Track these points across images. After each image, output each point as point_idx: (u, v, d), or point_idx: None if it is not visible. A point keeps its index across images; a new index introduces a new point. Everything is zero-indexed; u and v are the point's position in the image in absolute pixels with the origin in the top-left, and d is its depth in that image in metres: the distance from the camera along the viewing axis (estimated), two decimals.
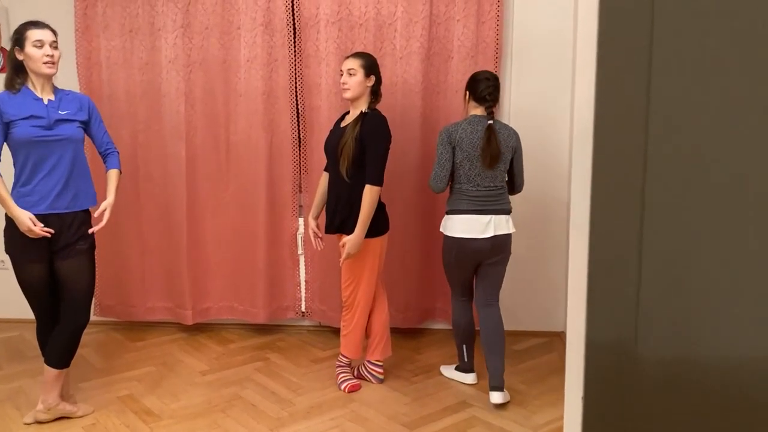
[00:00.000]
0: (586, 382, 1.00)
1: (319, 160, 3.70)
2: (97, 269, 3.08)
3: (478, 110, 3.16)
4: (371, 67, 3.17)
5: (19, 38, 2.78)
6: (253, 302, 4.04)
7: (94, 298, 4.05)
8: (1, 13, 4.03)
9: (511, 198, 3.84)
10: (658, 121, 0.91)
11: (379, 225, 3.18)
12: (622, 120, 0.92)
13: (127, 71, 3.91)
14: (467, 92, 3.21)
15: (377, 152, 3.09)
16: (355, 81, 3.13)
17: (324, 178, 3.39)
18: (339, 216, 3.17)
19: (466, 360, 3.36)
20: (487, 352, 3.17)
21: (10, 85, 2.81)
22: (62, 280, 2.90)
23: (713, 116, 0.91)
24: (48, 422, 2.96)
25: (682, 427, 0.99)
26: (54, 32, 2.85)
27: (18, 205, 2.76)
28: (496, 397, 3.09)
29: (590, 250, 0.94)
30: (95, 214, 2.93)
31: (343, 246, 3.13)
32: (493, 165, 3.08)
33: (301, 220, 3.98)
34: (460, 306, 3.31)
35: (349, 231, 3.12)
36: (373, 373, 3.39)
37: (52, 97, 2.86)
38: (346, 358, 3.38)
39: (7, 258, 2.90)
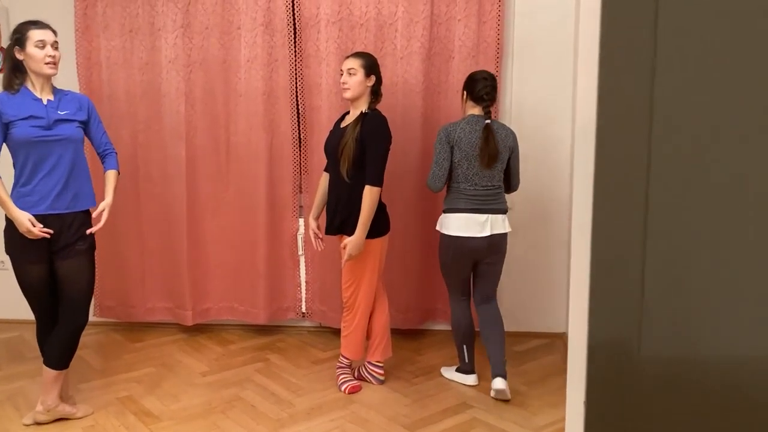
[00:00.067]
0: (588, 383, 1.00)
1: (319, 160, 3.69)
2: (96, 270, 3.07)
3: (475, 110, 3.18)
4: (371, 66, 3.16)
5: (20, 38, 2.77)
6: (253, 303, 4.03)
7: (93, 299, 4.05)
8: (1, 13, 4.03)
9: (513, 199, 3.85)
10: (662, 121, 0.90)
11: (379, 226, 3.17)
12: (624, 119, 0.91)
13: (127, 71, 3.91)
14: (464, 92, 3.23)
15: (377, 153, 3.08)
16: (355, 81, 3.12)
17: (324, 179, 3.38)
18: (339, 217, 3.16)
19: (466, 361, 3.35)
20: (487, 343, 3.21)
21: (8, 85, 2.80)
22: (62, 281, 2.89)
23: (717, 116, 0.90)
24: (47, 423, 2.95)
25: (684, 428, 0.98)
26: (54, 32, 2.84)
27: (18, 206, 2.76)
28: (499, 383, 3.11)
29: (593, 250, 0.93)
30: (93, 215, 2.93)
31: (344, 247, 3.12)
32: (491, 164, 3.10)
33: (301, 221, 3.98)
34: (459, 306, 3.31)
35: (350, 232, 3.10)
36: (374, 374, 3.38)
37: (52, 98, 2.85)
38: (347, 359, 3.37)
39: (6, 258, 2.90)
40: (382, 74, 3.27)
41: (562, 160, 3.86)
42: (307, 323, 4.18)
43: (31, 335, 3.64)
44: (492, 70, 3.64)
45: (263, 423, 2.99)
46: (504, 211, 3.21)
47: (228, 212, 3.99)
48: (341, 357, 3.38)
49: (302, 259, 4.03)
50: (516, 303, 4.00)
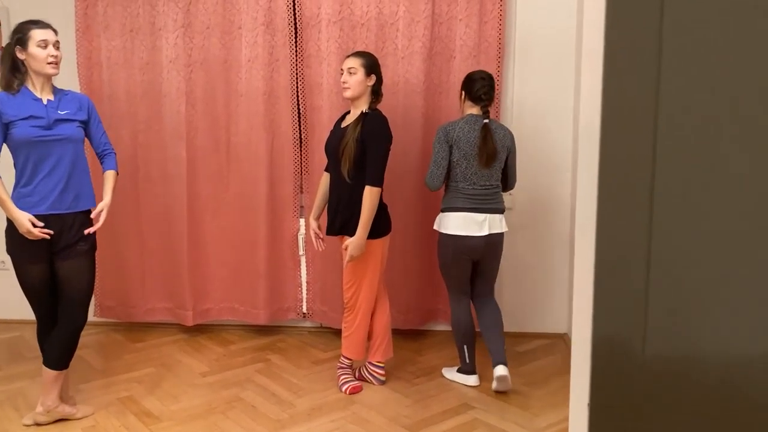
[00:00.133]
0: (592, 382, 0.99)
1: (320, 160, 3.69)
2: (97, 270, 3.07)
3: (474, 109, 3.21)
4: (372, 66, 3.15)
5: (21, 37, 2.76)
6: (253, 303, 4.03)
7: (94, 299, 4.05)
8: (2, 13, 4.02)
9: (513, 199, 3.85)
10: (667, 119, 0.89)
11: (380, 226, 3.16)
12: (629, 118, 0.90)
13: (128, 71, 3.90)
14: (463, 92, 3.26)
15: (377, 153, 3.07)
16: (355, 80, 3.11)
17: (325, 179, 3.37)
18: (340, 217, 3.15)
19: (467, 361, 3.34)
20: (487, 332, 3.26)
21: (7, 85, 2.78)
22: (62, 281, 2.88)
23: (722, 114, 0.89)
24: (47, 424, 2.94)
25: (689, 427, 0.97)
26: (56, 32, 2.84)
27: (19, 206, 2.75)
28: (501, 369, 3.15)
29: (597, 249, 0.92)
30: (92, 215, 2.92)
31: (346, 248, 3.11)
32: (489, 164, 3.13)
33: (302, 221, 3.97)
34: (459, 306, 3.31)
35: (351, 233, 3.10)
36: (375, 374, 3.37)
37: (52, 97, 2.84)
38: (348, 359, 3.36)
39: (7, 258, 2.89)
40: (383, 74, 3.26)
41: (563, 160, 3.85)
42: (307, 323, 4.17)
43: (31, 335, 3.64)
44: (493, 70, 3.64)
45: (264, 423, 2.98)
46: (501, 211, 3.25)
47: (228, 212, 3.98)
48: (342, 357, 3.37)
49: (303, 260, 4.03)
50: (517, 303, 4.00)
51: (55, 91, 2.88)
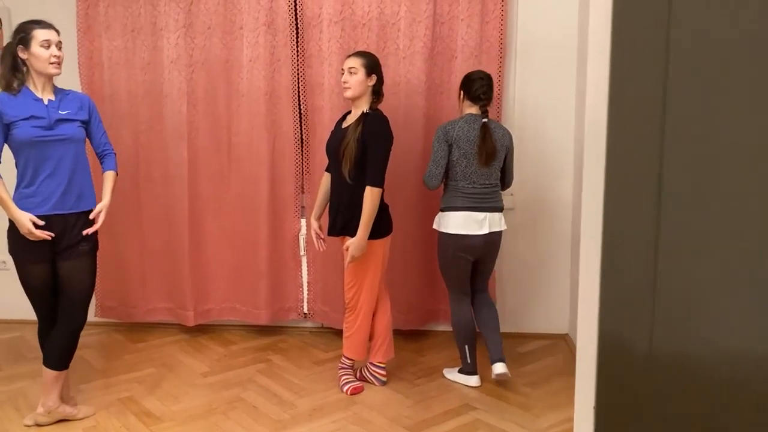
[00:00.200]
0: (598, 382, 0.98)
1: (321, 160, 3.68)
2: (98, 270, 3.06)
3: (473, 109, 3.23)
4: (372, 66, 3.14)
5: (24, 37, 2.75)
6: (255, 303, 4.02)
7: (95, 300, 4.06)
8: (3, 13, 4.02)
9: (514, 199, 3.85)
10: (675, 116, 0.89)
11: (381, 227, 3.15)
12: (636, 114, 0.89)
13: (129, 71, 3.90)
14: (461, 91, 3.28)
15: (378, 153, 3.06)
16: (355, 80, 3.10)
17: (325, 179, 3.37)
18: (341, 218, 3.15)
19: (469, 362, 3.34)
20: (483, 328, 3.31)
21: (7, 85, 2.77)
22: (63, 280, 2.87)
23: (731, 110, 0.89)
24: (48, 425, 2.94)
25: (696, 427, 0.96)
26: (58, 32, 2.83)
27: (22, 206, 2.75)
28: (499, 367, 3.19)
29: (603, 248, 0.91)
30: (90, 216, 2.91)
31: (347, 249, 3.11)
32: (489, 162, 3.16)
33: (303, 221, 3.97)
34: (460, 306, 3.32)
35: (352, 233, 3.09)
36: (376, 375, 3.36)
37: (53, 97, 2.84)
38: (349, 359, 3.35)
39: (7, 258, 2.89)
40: (384, 74, 3.26)
41: (564, 160, 3.84)
42: (308, 324, 4.16)
43: (31, 335, 3.64)
44: (495, 70, 3.64)
45: (265, 424, 2.98)
46: (501, 209, 3.28)
47: (230, 212, 3.98)
48: (343, 358, 3.37)
49: (304, 260, 4.02)
50: (518, 304, 3.99)
51: (56, 91, 2.87)
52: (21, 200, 2.76)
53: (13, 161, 2.81)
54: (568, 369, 3.53)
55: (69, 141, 2.82)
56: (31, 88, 2.80)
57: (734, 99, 0.89)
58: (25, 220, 2.72)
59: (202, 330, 4.14)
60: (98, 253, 3.01)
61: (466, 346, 3.33)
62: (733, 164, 0.90)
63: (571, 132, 3.82)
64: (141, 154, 3.95)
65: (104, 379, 3.47)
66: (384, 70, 3.30)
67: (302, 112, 3.89)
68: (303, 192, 3.98)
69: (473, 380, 3.35)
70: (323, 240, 3.41)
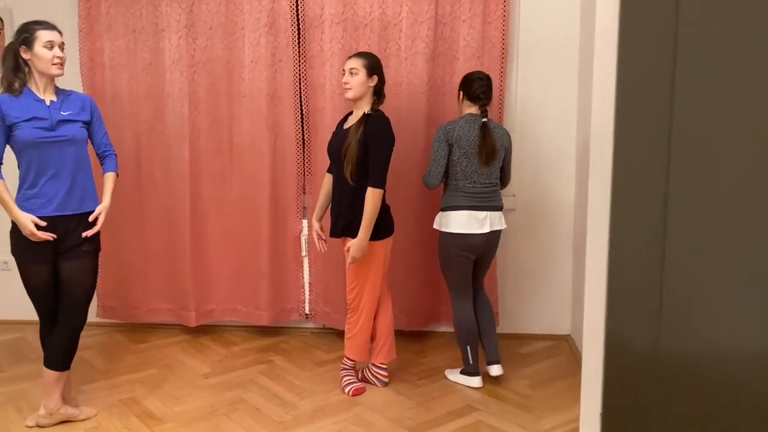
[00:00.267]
0: (605, 383, 0.97)
1: (323, 161, 3.68)
2: (99, 271, 3.06)
3: (472, 109, 3.25)
4: (374, 66, 3.14)
5: (27, 37, 2.75)
6: (256, 304, 4.02)
7: (96, 300, 4.05)
8: (5, 13, 4.02)
9: (516, 200, 3.85)
10: (681, 122, 0.88)
11: (383, 228, 3.15)
12: (643, 118, 0.89)
13: (131, 72, 3.89)
14: (461, 92, 3.30)
15: (380, 154, 3.06)
16: (357, 81, 3.10)
17: (327, 180, 3.37)
18: (343, 219, 3.15)
19: (471, 362, 3.33)
20: (480, 331, 3.34)
21: (9, 86, 2.77)
22: (64, 281, 2.87)
23: (737, 117, 0.88)
24: (50, 426, 2.93)
25: (703, 426, 0.96)
26: (61, 33, 2.83)
27: (25, 208, 2.74)
28: (495, 369, 3.29)
29: (611, 250, 0.91)
30: (90, 218, 2.90)
31: (348, 250, 3.10)
32: (489, 162, 3.18)
33: (304, 222, 3.96)
34: (461, 306, 3.32)
35: (354, 234, 3.09)
36: (378, 376, 3.36)
37: (54, 98, 2.83)
38: (351, 360, 3.35)
39: (9, 259, 2.88)
40: (385, 75, 3.26)
41: (565, 161, 3.84)
42: (310, 325, 4.16)
43: (33, 336, 3.64)
44: (497, 71, 3.64)
45: (266, 425, 2.97)
46: (501, 208, 3.30)
47: (231, 213, 3.97)
48: (345, 359, 3.36)
49: (305, 261, 4.02)
50: (519, 305, 3.99)
51: (58, 91, 2.87)
52: (24, 201, 2.76)
53: (15, 162, 2.81)
54: (570, 370, 3.52)
55: (71, 142, 2.82)
56: (33, 88, 2.80)
57: (741, 102, 0.89)
58: (27, 222, 2.72)
59: (203, 331, 4.14)
60: (100, 254, 3.01)
61: (468, 347, 3.32)
62: (740, 167, 0.90)
63: (572, 132, 3.82)
64: (143, 155, 3.95)
65: (106, 380, 3.47)
66: (385, 70, 3.30)
67: (304, 112, 3.88)
68: (304, 193, 3.97)
69: (475, 381, 3.34)
70: (324, 241, 3.41)
